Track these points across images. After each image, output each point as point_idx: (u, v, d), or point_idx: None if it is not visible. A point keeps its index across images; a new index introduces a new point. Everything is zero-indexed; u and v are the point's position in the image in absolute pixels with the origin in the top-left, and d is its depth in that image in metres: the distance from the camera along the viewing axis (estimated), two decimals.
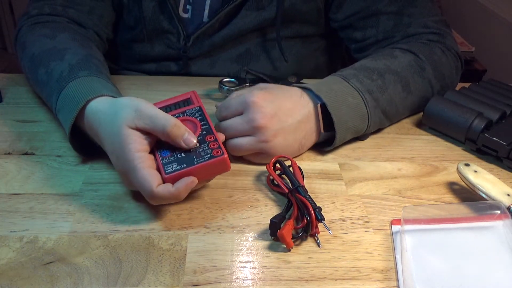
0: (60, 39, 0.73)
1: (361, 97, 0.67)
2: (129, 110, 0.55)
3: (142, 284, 0.48)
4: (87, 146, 0.63)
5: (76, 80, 0.63)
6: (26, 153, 0.65)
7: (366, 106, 0.67)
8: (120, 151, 0.54)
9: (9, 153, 0.65)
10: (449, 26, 0.84)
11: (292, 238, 0.52)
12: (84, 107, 0.60)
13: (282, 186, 0.58)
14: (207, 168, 0.55)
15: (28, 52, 0.73)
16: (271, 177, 0.61)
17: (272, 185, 0.61)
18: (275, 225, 0.52)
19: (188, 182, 0.53)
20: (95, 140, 0.61)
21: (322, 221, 0.53)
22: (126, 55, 0.94)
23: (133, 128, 0.54)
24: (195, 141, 0.56)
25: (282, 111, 0.63)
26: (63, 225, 0.54)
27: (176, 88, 0.84)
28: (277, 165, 0.62)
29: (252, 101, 0.62)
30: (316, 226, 0.53)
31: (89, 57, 0.70)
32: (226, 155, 0.55)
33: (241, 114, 0.63)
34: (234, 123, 0.63)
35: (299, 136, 0.65)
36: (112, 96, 0.61)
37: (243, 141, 0.62)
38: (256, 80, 0.81)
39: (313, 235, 0.54)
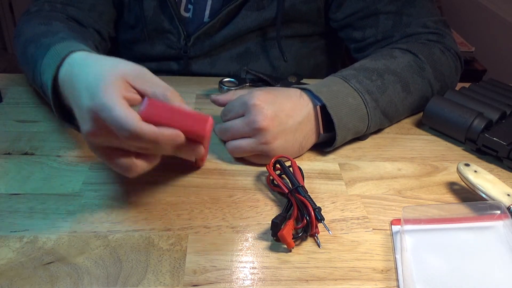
0: (55, 26, 0.72)
1: (361, 98, 0.67)
2: (134, 68, 0.54)
3: (142, 284, 0.48)
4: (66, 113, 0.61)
5: (63, 42, 0.61)
6: (26, 153, 0.65)
7: (366, 107, 0.67)
8: (95, 87, 0.49)
9: (9, 153, 0.65)
10: (448, 26, 0.84)
11: (292, 238, 0.52)
12: (66, 57, 0.57)
13: (282, 186, 0.58)
14: (186, 118, 0.52)
15: (22, 39, 0.72)
16: (271, 177, 0.61)
17: (272, 185, 0.61)
18: (276, 226, 0.52)
19: (172, 131, 0.51)
20: (69, 95, 0.56)
21: (322, 221, 0.53)
22: (126, 54, 0.94)
23: (131, 84, 0.52)
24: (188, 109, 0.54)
25: (283, 112, 0.63)
26: (63, 225, 0.54)
27: (176, 88, 0.83)
28: (277, 165, 0.62)
29: (252, 103, 0.62)
30: (316, 226, 0.53)
31: (82, 37, 0.70)
32: (210, 117, 0.54)
33: (242, 116, 0.63)
34: (235, 124, 0.63)
35: (299, 137, 0.65)
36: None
37: (243, 143, 0.63)
38: (256, 80, 0.81)
39: (313, 235, 0.54)
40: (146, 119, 0.50)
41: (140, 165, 0.53)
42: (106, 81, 0.50)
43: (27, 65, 0.70)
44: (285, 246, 0.52)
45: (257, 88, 0.67)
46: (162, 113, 0.51)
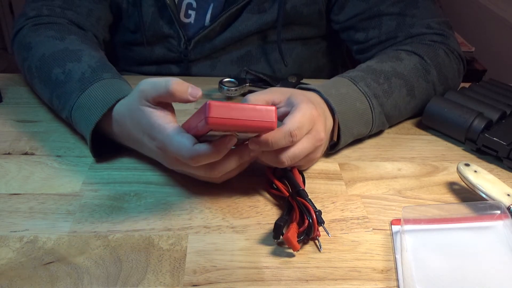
0: (70, 41, 0.73)
1: (368, 102, 0.66)
2: (135, 92, 0.57)
3: (142, 284, 0.48)
4: (98, 146, 0.63)
5: (101, 81, 0.64)
6: (26, 153, 0.65)
7: (372, 112, 0.67)
8: (150, 129, 0.55)
9: (9, 153, 0.65)
10: (451, 28, 0.83)
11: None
12: (112, 106, 0.61)
13: (282, 189, 0.58)
14: (253, 113, 0.48)
15: (36, 53, 0.72)
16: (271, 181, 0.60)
17: (272, 189, 0.60)
18: (280, 228, 0.52)
19: (226, 139, 0.50)
20: (122, 139, 0.62)
21: (322, 224, 0.53)
22: (126, 57, 0.94)
23: (150, 103, 0.55)
24: (200, 92, 0.53)
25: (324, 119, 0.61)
26: (63, 225, 0.54)
27: None
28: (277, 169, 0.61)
29: (315, 114, 0.57)
30: (317, 229, 0.53)
31: (104, 60, 0.71)
32: (274, 106, 0.49)
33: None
34: (306, 145, 0.56)
35: (327, 142, 0.63)
36: None
37: (299, 149, 0.56)
38: (256, 80, 0.81)
39: (315, 239, 0.53)
40: (213, 123, 0.47)
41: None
42: (152, 123, 0.55)
43: (47, 84, 0.69)
44: (287, 246, 0.52)
45: (280, 88, 0.62)
46: (227, 113, 0.48)
